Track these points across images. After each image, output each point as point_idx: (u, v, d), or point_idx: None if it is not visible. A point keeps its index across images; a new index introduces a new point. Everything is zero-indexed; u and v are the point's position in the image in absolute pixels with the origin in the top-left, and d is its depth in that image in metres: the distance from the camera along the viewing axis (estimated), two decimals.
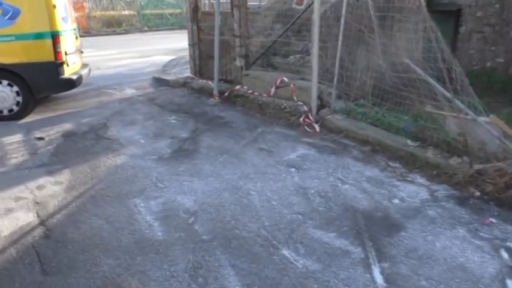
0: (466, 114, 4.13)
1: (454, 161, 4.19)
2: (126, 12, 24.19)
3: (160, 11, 25.46)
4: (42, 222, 3.47)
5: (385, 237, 3.19)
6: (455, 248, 3.04)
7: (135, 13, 24.36)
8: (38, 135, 5.67)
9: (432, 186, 3.97)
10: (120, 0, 24.12)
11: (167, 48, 14.10)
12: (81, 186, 4.12)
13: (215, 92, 7.42)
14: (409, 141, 4.69)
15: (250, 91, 7.13)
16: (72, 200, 3.83)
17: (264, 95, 6.82)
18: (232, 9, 7.51)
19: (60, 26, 6.44)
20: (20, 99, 6.43)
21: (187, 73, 9.10)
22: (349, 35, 5.72)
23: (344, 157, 4.72)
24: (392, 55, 5.22)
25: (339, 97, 5.96)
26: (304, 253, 3.00)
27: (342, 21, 5.47)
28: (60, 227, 3.38)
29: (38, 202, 3.82)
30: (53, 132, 5.80)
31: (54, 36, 6.30)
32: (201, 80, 8.36)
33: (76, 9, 15.88)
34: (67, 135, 5.67)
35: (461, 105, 4.13)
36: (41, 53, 6.30)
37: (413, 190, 3.91)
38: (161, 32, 23.03)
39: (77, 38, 7.51)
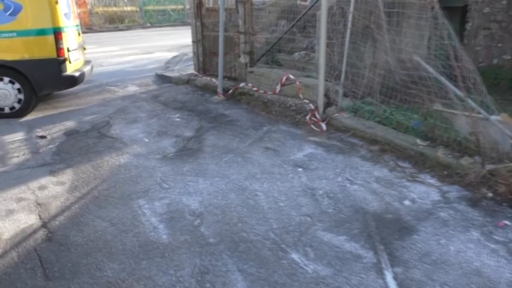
0: (478, 112, 4.02)
1: (465, 161, 4.08)
2: (128, 8, 24.20)
3: (162, 7, 25.47)
4: (44, 225, 3.38)
5: (397, 240, 3.09)
6: (469, 252, 2.94)
7: (137, 9, 24.38)
8: (39, 134, 5.59)
9: (443, 187, 3.86)
10: None
11: (170, 45, 14.02)
12: (84, 186, 4.04)
13: (219, 90, 7.32)
14: (418, 141, 4.58)
15: (255, 88, 7.03)
16: (75, 201, 3.75)
17: (269, 92, 6.72)
18: (236, 5, 7.40)
19: (63, 22, 6.35)
20: (21, 96, 6.36)
21: (191, 70, 9.02)
22: (357, 31, 5.60)
23: (352, 157, 4.62)
24: (401, 52, 5.11)
25: (345, 95, 5.85)
26: (314, 257, 2.91)
27: (350, 18, 5.36)
28: (62, 230, 3.30)
29: (40, 203, 3.73)
30: (55, 131, 5.72)
31: (57, 33, 6.21)
32: (204, 77, 8.28)
33: (78, 5, 15.80)
34: (69, 134, 5.59)
35: (473, 104, 4.02)
36: (43, 49, 6.22)
37: (424, 191, 3.81)
38: (163, 28, 23.01)
39: (79, 34, 7.43)
